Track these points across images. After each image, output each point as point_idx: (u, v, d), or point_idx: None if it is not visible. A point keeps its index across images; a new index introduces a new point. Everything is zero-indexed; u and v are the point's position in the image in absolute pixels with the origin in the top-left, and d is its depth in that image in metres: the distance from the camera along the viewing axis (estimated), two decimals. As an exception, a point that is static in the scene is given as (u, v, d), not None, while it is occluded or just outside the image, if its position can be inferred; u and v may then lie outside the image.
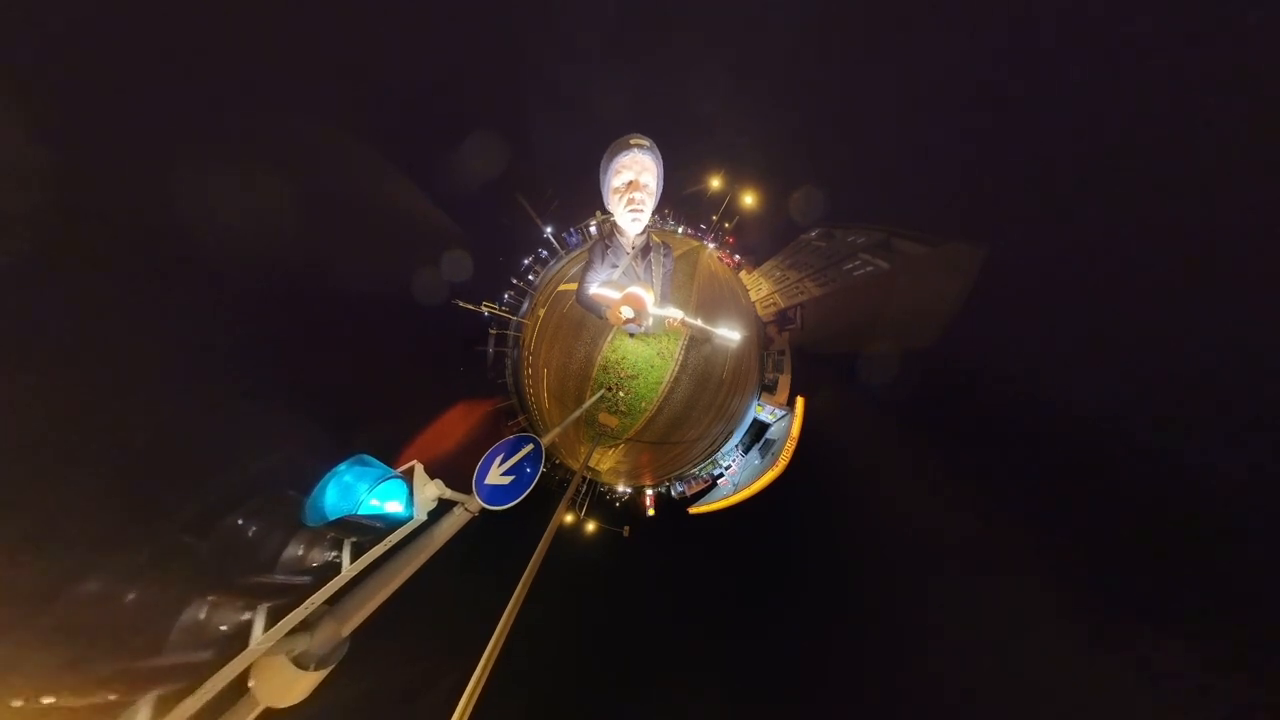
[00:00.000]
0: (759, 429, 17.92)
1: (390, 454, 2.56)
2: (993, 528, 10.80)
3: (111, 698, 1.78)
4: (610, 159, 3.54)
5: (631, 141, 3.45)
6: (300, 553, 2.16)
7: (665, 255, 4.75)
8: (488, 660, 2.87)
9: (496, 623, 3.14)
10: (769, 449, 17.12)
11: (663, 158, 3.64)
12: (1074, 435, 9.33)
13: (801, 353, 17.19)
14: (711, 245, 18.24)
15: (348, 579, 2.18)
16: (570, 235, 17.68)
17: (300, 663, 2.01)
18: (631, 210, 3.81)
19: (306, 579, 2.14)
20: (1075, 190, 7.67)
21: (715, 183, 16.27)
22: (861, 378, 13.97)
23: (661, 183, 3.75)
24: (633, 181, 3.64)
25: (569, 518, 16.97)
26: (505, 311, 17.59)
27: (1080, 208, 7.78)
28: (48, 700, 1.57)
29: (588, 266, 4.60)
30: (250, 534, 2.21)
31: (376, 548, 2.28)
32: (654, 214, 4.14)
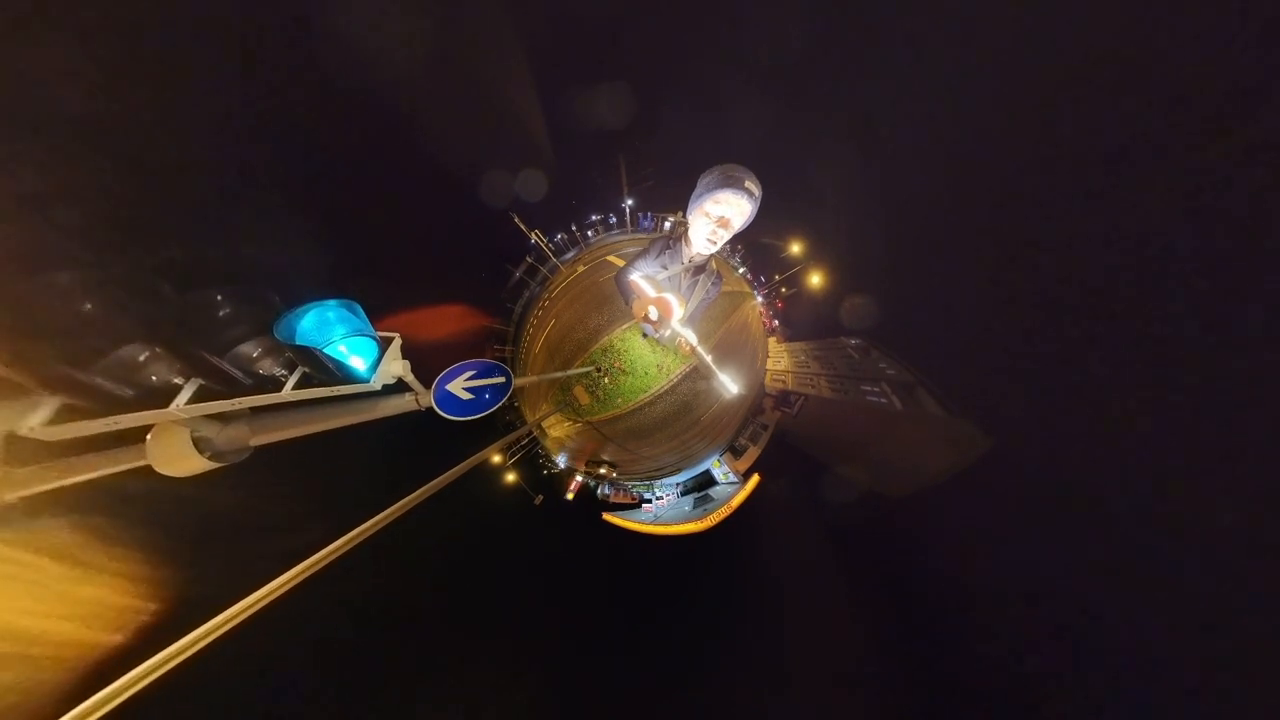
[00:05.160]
0: (706, 481, 17.96)
1: (375, 308, 2.56)
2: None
3: (20, 380, 1.80)
4: (716, 184, 3.39)
5: (745, 184, 3.31)
6: (254, 354, 2.19)
7: (713, 284, 4.77)
8: (348, 542, 2.87)
9: (378, 513, 3.15)
10: (704, 504, 17.14)
11: (764, 201, 3.62)
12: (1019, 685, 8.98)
13: (782, 438, 17.23)
14: (760, 298, 18.27)
15: (282, 401, 2.21)
16: (644, 218, 17.70)
17: (200, 446, 2.04)
18: (709, 240, 3.83)
19: (247, 380, 2.16)
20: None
21: (796, 248, 16.31)
22: (825, 496, 13.84)
23: (747, 227, 3.76)
24: (723, 218, 3.57)
25: (497, 458, 16.98)
26: (550, 249, 17.62)
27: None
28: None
29: (641, 254, 4.63)
30: (221, 313, 2.23)
31: (323, 389, 2.31)
32: (728, 243, 4.14)
